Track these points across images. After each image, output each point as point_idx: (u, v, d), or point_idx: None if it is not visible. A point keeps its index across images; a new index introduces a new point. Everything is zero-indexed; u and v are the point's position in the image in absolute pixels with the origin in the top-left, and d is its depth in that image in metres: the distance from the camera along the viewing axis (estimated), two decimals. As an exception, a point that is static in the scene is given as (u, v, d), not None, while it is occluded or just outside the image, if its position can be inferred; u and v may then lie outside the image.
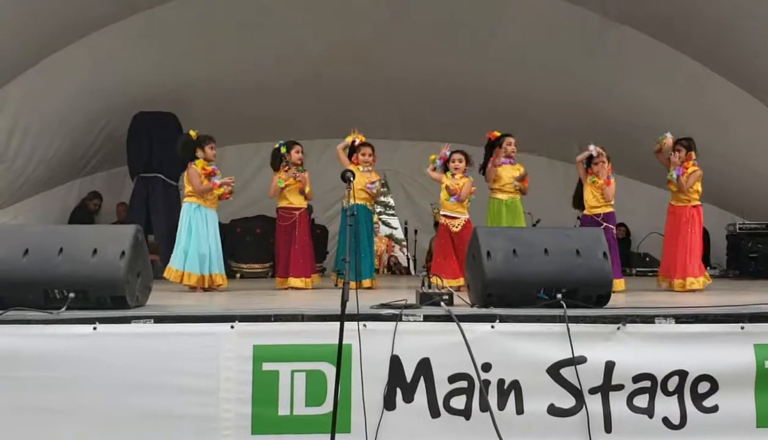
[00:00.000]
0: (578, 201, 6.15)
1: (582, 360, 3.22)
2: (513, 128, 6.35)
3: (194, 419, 3.11)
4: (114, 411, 3.10)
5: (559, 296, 3.49)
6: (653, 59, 7.55)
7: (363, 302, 3.19)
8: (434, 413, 3.19)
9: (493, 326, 3.26)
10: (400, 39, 7.88)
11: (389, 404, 3.17)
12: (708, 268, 6.11)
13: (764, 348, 3.28)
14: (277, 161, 6.21)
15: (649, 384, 3.24)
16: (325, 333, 3.10)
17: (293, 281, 6.01)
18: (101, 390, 3.11)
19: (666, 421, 3.23)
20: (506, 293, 3.57)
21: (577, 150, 6.33)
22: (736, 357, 3.27)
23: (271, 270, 8.45)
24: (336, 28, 7.68)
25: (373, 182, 6.20)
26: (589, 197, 5.98)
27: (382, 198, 6.51)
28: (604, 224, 5.80)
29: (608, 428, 3.21)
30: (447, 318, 3.27)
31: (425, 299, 3.63)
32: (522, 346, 3.25)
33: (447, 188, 5.84)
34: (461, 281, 5.42)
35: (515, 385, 3.21)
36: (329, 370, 3.08)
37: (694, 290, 5.71)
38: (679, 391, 3.24)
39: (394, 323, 3.23)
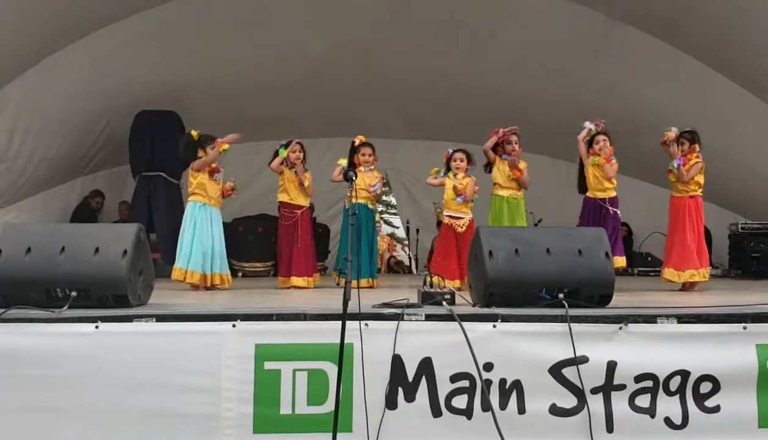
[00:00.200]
0: (582, 185, 6.10)
1: (584, 359, 3.22)
2: (514, 127, 6.33)
3: (196, 418, 3.12)
4: (116, 409, 3.10)
5: (561, 295, 3.49)
6: (656, 59, 7.54)
7: (365, 301, 3.18)
8: (436, 412, 3.18)
9: (495, 326, 3.26)
10: (400, 39, 7.87)
11: (391, 403, 3.17)
12: (710, 268, 6.08)
13: (766, 348, 3.28)
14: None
15: (651, 384, 3.23)
16: (327, 332, 3.10)
17: (295, 280, 6.02)
18: (103, 388, 3.11)
19: (668, 421, 3.23)
20: (508, 293, 3.57)
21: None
22: (738, 357, 3.27)
23: (273, 269, 8.46)
24: (336, 28, 7.67)
25: (374, 185, 6.19)
26: (591, 178, 5.94)
27: (384, 197, 6.50)
28: (609, 208, 5.79)
29: (610, 428, 3.21)
30: (449, 318, 3.27)
31: (427, 298, 3.63)
32: (524, 346, 3.25)
33: (454, 188, 5.82)
34: (457, 284, 5.43)
35: (517, 385, 3.21)
36: (331, 369, 3.08)
37: (695, 283, 5.69)
38: (681, 391, 3.24)
39: (395, 322, 3.23)
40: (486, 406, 3.15)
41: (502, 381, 3.21)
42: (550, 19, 7.45)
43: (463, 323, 3.20)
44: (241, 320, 3.23)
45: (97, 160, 9.07)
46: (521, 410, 3.20)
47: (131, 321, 3.22)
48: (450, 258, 5.75)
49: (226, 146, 5.81)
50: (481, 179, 6.17)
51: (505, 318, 3.29)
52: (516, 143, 6.02)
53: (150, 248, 3.97)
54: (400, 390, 3.19)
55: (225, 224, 6.03)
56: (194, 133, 5.87)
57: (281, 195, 6.19)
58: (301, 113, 8.92)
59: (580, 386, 3.20)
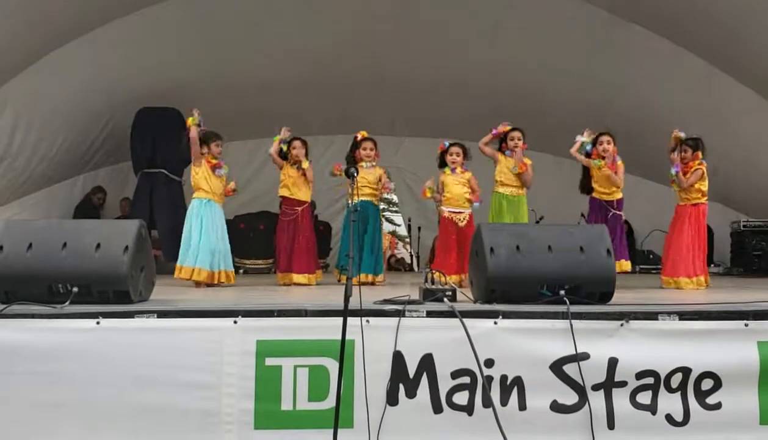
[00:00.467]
0: (585, 186, 6.07)
1: (585, 356, 3.22)
2: (517, 125, 6.32)
3: (197, 413, 3.12)
4: (117, 405, 3.11)
5: (562, 292, 3.49)
6: (660, 57, 7.53)
7: (366, 298, 3.19)
8: (437, 409, 3.19)
9: (496, 323, 3.26)
10: (404, 36, 7.87)
11: (392, 399, 3.17)
12: (712, 265, 6.07)
13: (768, 345, 3.28)
14: (280, 158, 6.22)
15: (652, 381, 3.23)
16: (328, 329, 3.10)
17: (297, 277, 6.01)
18: (104, 384, 3.11)
19: (669, 418, 3.23)
20: (509, 290, 3.57)
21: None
22: (739, 355, 3.26)
23: (274, 266, 8.46)
24: (339, 25, 7.67)
25: (391, 184, 6.16)
26: (597, 180, 5.93)
27: (385, 195, 6.49)
28: (613, 211, 5.78)
29: (611, 424, 3.21)
30: (450, 314, 3.27)
31: (428, 295, 3.63)
32: (525, 342, 3.25)
33: (470, 202, 5.82)
34: (456, 278, 5.40)
35: (518, 381, 3.21)
36: (332, 365, 3.08)
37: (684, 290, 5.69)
38: (682, 388, 3.24)
39: (397, 318, 3.23)
40: (487, 402, 3.15)
41: (503, 378, 3.21)
42: (556, 16, 7.44)
43: (464, 320, 3.20)
44: (243, 316, 3.23)
45: (98, 157, 9.08)
46: (522, 406, 3.20)
47: (132, 317, 3.23)
48: (450, 254, 5.73)
49: (194, 118, 5.65)
50: (482, 180, 6.14)
51: (507, 315, 3.29)
52: (519, 139, 5.97)
53: (151, 245, 3.98)
54: (401, 386, 3.19)
55: (227, 221, 6.03)
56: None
57: (282, 190, 6.19)
58: (303, 110, 8.91)
59: (582, 383, 3.20)
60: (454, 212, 5.83)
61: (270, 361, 3.16)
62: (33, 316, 3.20)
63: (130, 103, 8.25)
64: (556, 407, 3.21)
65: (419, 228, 10.32)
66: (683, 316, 3.33)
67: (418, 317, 3.28)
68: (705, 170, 5.82)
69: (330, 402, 3.06)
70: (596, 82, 8.08)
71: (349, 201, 3.83)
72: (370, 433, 3.10)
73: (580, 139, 5.97)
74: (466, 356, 3.16)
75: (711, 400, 3.24)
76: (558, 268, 3.57)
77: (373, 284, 6.04)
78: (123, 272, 3.47)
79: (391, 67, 8.39)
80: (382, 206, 6.44)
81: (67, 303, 3.32)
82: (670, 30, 7.25)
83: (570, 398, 3.21)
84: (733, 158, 7.62)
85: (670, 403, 3.23)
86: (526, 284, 3.57)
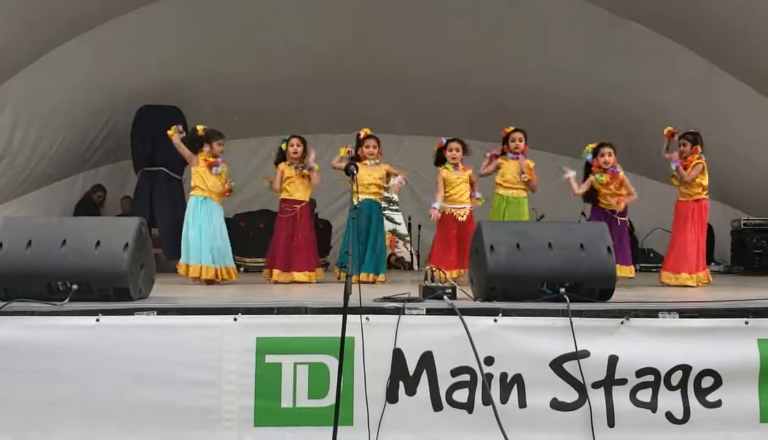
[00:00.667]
0: (589, 195, 6.05)
1: (585, 354, 3.22)
2: (518, 124, 6.32)
3: (197, 411, 3.12)
4: (117, 402, 3.11)
5: (562, 290, 3.49)
6: (661, 56, 7.52)
7: (366, 295, 3.19)
8: (437, 406, 3.19)
9: (496, 320, 3.26)
10: (404, 35, 7.85)
11: (392, 397, 3.17)
12: (712, 264, 6.07)
13: (768, 343, 3.27)
14: (280, 158, 6.22)
15: (652, 379, 3.23)
16: (328, 326, 3.10)
17: (297, 276, 5.98)
18: (104, 381, 3.12)
19: (669, 416, 3.23)
20: (509, 287, 3.57)
21: (583, 145, 6.27)
22: (740, 352, 3.26)
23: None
24: (339, 23, 7.66)
25: (400, 180, 6.13)
26: (600, 192, 5.92)
27: (385, 193, 6.47)
28: (618, 218, 5.78)
29: (611, 422, 3.21)
30: (450, 312, 3.27)
31: (428, 292, 3.63)
32: (525, 340, 3.25)
33: (473, 199, 5.81)
34: (455, 274, 5.39)
35: (518, 379, 3.21)
36: (332, 363, 3.08)
37: (687, 286, 5.68)
38: (682, 386, 3.24)
39: (396, 316, 3.23)
40: (487, 400, 3.15)
41: (503, 375, 3.21)
42: (557, 15, 7.43)
43: (464, 318, 3.20)
44: (243, 313, 3.23)
45: (99, 155, 9.07)
46: (522, 404, 3.20)
47: (132, 314, 3.23)
48: (450, 250, 5.71)
49: (173, 129, 5.71)
50: (482, 179, 6.13)
51: (506, 312, 3.28)
52: (521, 140, 5.95)
53: (151, 243, 3.97)
54: (401, 383, 3.19)
55: (226, 220, 6.02)
56: (200, 128, 5.85)
57: (283, 194, 6.17)
58: (304, 108, 8.92)
59: (582, 380, 3.20)
60: (455, 208, 5.81)
61: (270, 358, 3.16)
62: (33, 313, 3.21)
63: (130, 102, 8.25)
64: (556, 405, 3.21)
65: (419, 226, 10.30)
66: (683, 314, 3.33)
67: (417, 314, 3.28)
68: (705, 164, 5.82)
69: (330, 400, 3.06)
70: (596, 81, 8.07)
71: (353, 198, 3.83)
72: (369, 431, 3.10)
73: (569, 174, 5.90)
74: (466, 353, 3.16)
75: (711, 398, 3.24)
76: (558, 265, 3.57)
77: (374, 283, 6.01)
78: (123, 270, 3.47)
79: (391, 66, 8.38)
80: (382, 204, 6.41)
81: (66, 300, 3.33)
82: (671, 28, 7.24)
83: (570, 396, 3.21)
84: (733, 156, 7.61)
85: (670, 401, 3.23)
86: (526, 282, 3.57)
